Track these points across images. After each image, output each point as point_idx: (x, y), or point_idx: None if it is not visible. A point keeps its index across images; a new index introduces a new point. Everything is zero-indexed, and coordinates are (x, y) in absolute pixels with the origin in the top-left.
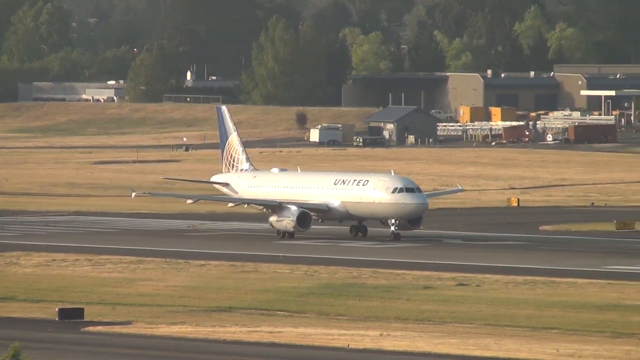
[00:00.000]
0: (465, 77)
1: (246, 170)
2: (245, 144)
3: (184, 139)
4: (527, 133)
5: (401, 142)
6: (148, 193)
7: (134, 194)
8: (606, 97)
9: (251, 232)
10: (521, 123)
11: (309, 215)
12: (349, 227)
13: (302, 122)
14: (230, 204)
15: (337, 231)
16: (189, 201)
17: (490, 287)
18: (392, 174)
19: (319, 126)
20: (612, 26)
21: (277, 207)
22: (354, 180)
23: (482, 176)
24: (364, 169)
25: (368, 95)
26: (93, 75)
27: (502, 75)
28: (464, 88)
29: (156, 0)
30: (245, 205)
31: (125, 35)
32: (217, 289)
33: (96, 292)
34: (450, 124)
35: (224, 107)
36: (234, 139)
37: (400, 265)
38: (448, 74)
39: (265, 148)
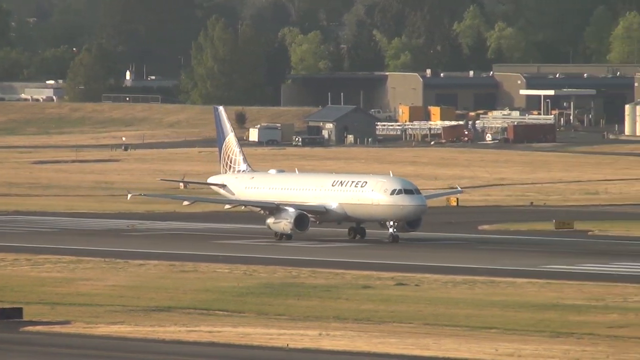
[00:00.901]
0: (404, 77)
1: (243, 171)
2: (184, 144)
3: (123, 139)
4: (466, 133)
5: (340, 141)
6: (144, 194)
7: (129, 195)
8: (545, 96)
9: (190, 231)
10: (460, 123)
11: (306, 217)
12: (347, 229)
13: (241, 121)
14: (227, 206)
15: (335, 233)
16: (186, 203)
17: (429, 287)
18: (391, 175)
19: (258, 126)
20: (551, 26)
21: (274, 209)
22: (352, 182)
23: (421, 176)
24: (303, 169)
25: (307, 94)
26: (32, 75)
27: (441, 74)
28: (403, 87)
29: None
30: (243, 207)
31: (65, 35)
32: (156, 289)
33: (35, 291)
34: (390, 124)
35: (220, 108)
36: (231, 139)
37: (340, 264)
38: (387, 73)
39: (204, 148)
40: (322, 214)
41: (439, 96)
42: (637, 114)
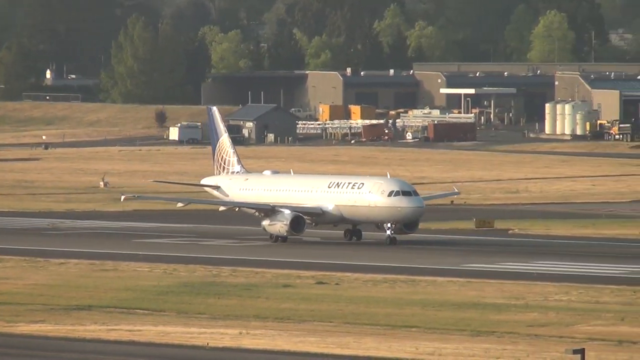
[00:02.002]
0: (324, 76)
1: (237, 172)
2: (105, 143)
3: (44, 137)
4: (386, 131)
5: (261, 140)
6: (137, 196)
7: (123, 197)
8: (465, 95)
9: (111, 230)
10: (381, 121)
11: (302, 219)
12: (343, 231)
13: (162, 120)
14: (222, 208)
15: (331, 235)
16: (179, 204)
17: (349, 286)
18: (388, 176)
19: (179, 124)
20: (471, 24)
21: (269, 211)
22: (349, 183)
23: (342, 174)
24: None
25: (227, 93)
26: None
27: (362, 73)
28: (323, 86)
29: None
30: (237, 209)
31: None
32: (77, 288)
33: None
34: (310, 123)
35: (214, 108)
36: (224, 140)
37: (260, 263)
38: (307, 72)
39: (124, 147)
40: (318, 216)
41: (359, 95)
42: (558, 112)
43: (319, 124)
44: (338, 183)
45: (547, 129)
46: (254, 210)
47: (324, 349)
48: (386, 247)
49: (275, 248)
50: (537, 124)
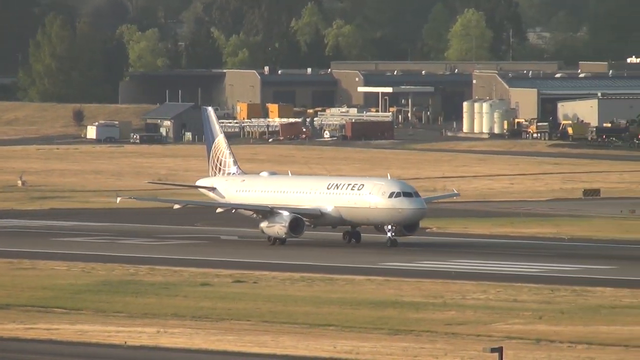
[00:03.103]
0: (242, 74)
1: (234, 173)
2: (23, 141)
3: None
4: (304, 130)
5: (178, 139)
6: (134, 198)
7: (119, 199)
8: (383, 94)
9: (29, 229)
10: (298, 120)
11: (301, 220)
12: (342, 233)
13: (79, 119)
14: (219, 209)
15: (330, 237)
16: (176, 206)
17: (267, 284)
18: (389, 177)
19: (96, 123)
20: (389, 23)
21: (268, 213)
22: (348, 185)
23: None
24: (141, 166)
25: (145, 92)
26: None
27: (279, 72)
28: (241, 85)
29: None
30: (233, 210)
31: None
32: None
33: None
34: (228, 121)
35: (209, 109)
36: (220, 141)
37: (178, 262)
38: (225, 70)
39: (42, 145)
40: (317, 218)
41: (277, 93)
42: (476, 111)
43: (236, 123)
44: (337, 184)
45: (465, 128)
46: (251, 212)
47: (241, 348)
48: (304, 246)
49: (192, 247)
50: (454, 122)
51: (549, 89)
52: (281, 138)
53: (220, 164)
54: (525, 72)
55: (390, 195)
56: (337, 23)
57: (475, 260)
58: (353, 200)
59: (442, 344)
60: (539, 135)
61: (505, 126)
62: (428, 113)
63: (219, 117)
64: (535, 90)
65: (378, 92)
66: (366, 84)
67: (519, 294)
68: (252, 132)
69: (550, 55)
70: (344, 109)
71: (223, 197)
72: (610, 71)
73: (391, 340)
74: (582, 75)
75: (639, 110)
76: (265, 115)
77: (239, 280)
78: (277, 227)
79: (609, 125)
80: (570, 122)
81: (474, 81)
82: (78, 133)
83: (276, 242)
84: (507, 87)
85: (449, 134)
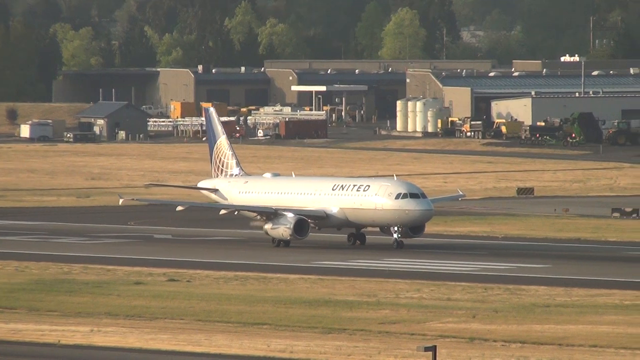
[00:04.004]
0: (176, 73)
1: (236, 175)
2: None
3: None
4: (238, 128)
5: (112, 137)
6: (136, 199)
7: (121, 200)
8: (317, 92)
9: None
10: (232, 118)
11: (306, 222)
12: (346, 235)
13: (13, 117)
14: (223, 211)
15: (334, 239)
16: (179, 208)
17: (201, 283)
18: (395, 178)
19: (30, 122)
20: (322, 21)
21: (272, 214)
22: (354, 186)
23: (194, 172)
24: (75, 165)
25: (79, 91)
26: None
27: (213, 70)
28: (174, 83)
29: None
30: (236, 212)
31: None
32: None
33: None
34: (161, 120)
35: (211, 109)
36: (222, 142)
37: (111, 260)
38: (159, 69)
39: None
40: (322, 219)
41: (210, 92)
42: (409, 109)
43: (170, 121)
44: (342, 185)
45: (399, 126)
46: (255, 214)
47: (175, 347)
48: (237, 245)
49: (125, 246)
50: (388, 121)
51: (483, 88)
52: None
53: (223, 165)
54: (458, 70)
55: (397, 197)
56: (271, 22)
57: (409, 259)
58: (359, 202)
59: (376, 343)
60: (472, 133)
61: (439, 125)
62: (362, 112)
63: (152, 116)
64: (468, 88)
65: (312, 91)
66: (300, 83)
67: (453, 292)
68: (186, 131)
69: (483, 54)
70: (277, 108)
71: (226, 199)
72: (544, 70)
73: (325, 339)
74: (515, 73)
75: (572, 109)
76: (199, 114)
77: (173, 279)
78: (282, 229)
79: (543, 123)
80: (503, 120)
81: (408, 80)
82: (11, 132)
83: (280, 244)
84: (440, 85)
85: (383, 132)
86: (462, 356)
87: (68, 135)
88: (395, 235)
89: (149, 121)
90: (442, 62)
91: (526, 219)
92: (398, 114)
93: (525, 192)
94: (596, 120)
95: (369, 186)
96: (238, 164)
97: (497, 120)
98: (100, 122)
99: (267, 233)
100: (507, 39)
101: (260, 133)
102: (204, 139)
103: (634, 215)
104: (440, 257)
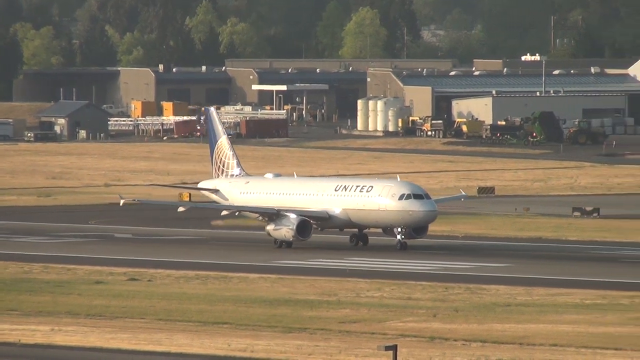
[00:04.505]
0: (136, 72)
1: (237, 175)
2: None
3: None
4: (198, 128)
5: (73, 137)
6: (137, 200)
7: (122, 201)
8: (277, 91)
9: None
10: (193, 118)
11: (309, 223)
12: (349, 236)
13: None
14: (224, 212)
15: (336, 240)
16: (181, 209)
17: (162, 282)
18: (398, 179)
19: None
20: (283, 20)
21: (274, 215)
22: (357, 187)
23: (154, 171)
24: (36, 164)
25: (40, 90)
26: None
27: (174, 69)
28: (135, 83)
29: None
30: (237, 213)
31: None
32: None
33: None
34: (122, 119)
35: (212, 109)
36: (223, 142)
37: (72, 260)
38: (120, 68)
39: None
40: (325, 220)
41: (171, 91)
42: (370, 109)
43: (131, 121)
44: (345, 186)
45: (360, 126)
46: (257, 215)
47: (135, 346)
48: (198, 244)
49: (85, 245)
50: (349, 120)
51: (444, 87)
52: (175, 136)
53: (224, 166)
54: (419, 70)
55: (401, 197)
56: (232, 21)
57: (370, 258)
58: (362, 203)
59: (337, 342)
60: (433, 133)
61: (400, 124)
62: (322, 111)
63: (113, 115)
64: (429, 88)
65: (272, 90)
66: (261, 82)
67: (413, 291)
68: (146, 130)
69: (444, 53)
70: (238, 107)
71: (226, 200)
72: (505, 69)
73: (285, 338)
74: (476, 73)
75: (533, 108)
76: (160, 113)
77: (134, 278)
78: (284, 230)
79: (504, 123)
80: (464, 120)
81: (369, 79)
82: None
83: (282, 245)
84: (401, 85)
85: (344, 131)
86: (423, 355)
87: (29, 134)
88: (398, 237)
89: (109, 120)
90: (402, 62)
91: (487, 218)
92: (359, 113)
93: (486, 191)
94: (557, 119)
95: (372, 187)
96: (239, 164)
97: (458, 120)
98: (61, 121)
99: (269, 234)
100: (467, 38)
101: None
102: (164, 138)
103: (595, 214)
104: (401, 256)
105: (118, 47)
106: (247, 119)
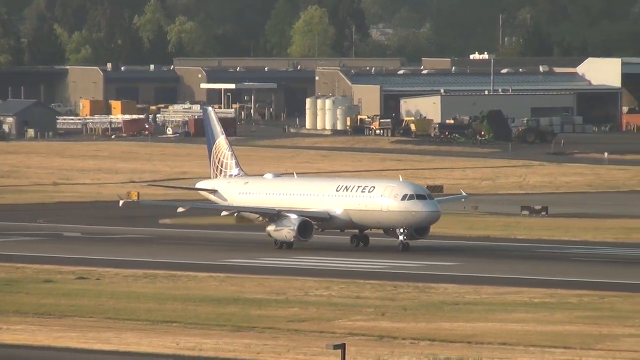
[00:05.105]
0: (85, 71)
1: (236, 175)
2: None
3: None
4: (147, 126)
5: (21, 135)
6: (137, 201)
7: (121, 202)
8: (226, 90)
9: None
10: (141, 116)
11: (310, 224)
12: (349, 237)
13: None
14: (224, 213)
15: (336, 241)
16: (180, 209)
17: (110, 281)
18: (400, 179)
19: None
20: (232, 19)
21: (274, 216)
22: (358, 187)
23: (103, 170)
24: None
25: None
26: None
27: (122, 68)
28: (84, 81)
29: None
30: (235, 214)
31: None
32: None
33: None
34: (70, 118)
35: (210, 108)
36: (221, 142)
37: (20, 258)
38: (68, 67)
39: None
40: (326, 221)
41: (119, 90)
42: (318, 107)
43: (79, 119)
44: (346, 186)
45: (308, 124)
46: (256, 215)
47: (84, 344)
48: (147, 243)
49: (34, 244)
50: (297, 119)
51: (392, 86)
52: (124, 135)
53: (222, 166)
54: (368, 68)
55: (403, 198)
56: (180, 19)
57: (318, 257)
58: (364, 203)
59: (285, 341)
60: (381, 131)
61: (348, 122)
62: (271, 109)
63: (61, 114)
64: (378, 86)
65: (221, 89)
66: (209, 81)
67: (362, 290)
68: (95, 128)
69: (393, 52)
70: (186, 106)
71: (225, 200)
72: (453, 68)
73: (234, 337)
74: (425, 71)
75: (481, 107)
76: (108, 111)
77: (82, 277)
78: (285, 231)
79: (452, 121)
80: (413, 118)
81: (317, 78)
82: None
83: (283, 245)
84: (349, 83)
85: (292, 130)
86: (371, 354)
87: None
88: (400, 237)
89: (58, 119)
90: (351, 60)
91: None
92: (307, 111)
93: (434, 189)
94: (505, 118)
95: (374, 187)
96: (237, 164)
97: (406, 118)
98: (9, 120)
99: (269, 235)
100: (416, 37)
101: (169, 131)
102: (112, 136)
103: (543, 213)
104: (349, 255)
105: (66, 45)
106: (196, 117)
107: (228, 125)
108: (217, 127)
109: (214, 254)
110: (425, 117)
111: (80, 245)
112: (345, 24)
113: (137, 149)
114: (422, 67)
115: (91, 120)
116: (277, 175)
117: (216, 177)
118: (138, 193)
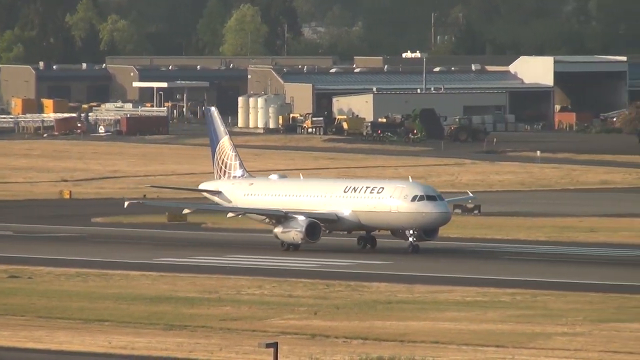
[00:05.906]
0: (16, 69)
1: (240, 176)
2: None
3: None
4: (79, 125)
5: None
6: (142, 202)
7: (126, 203)
8: (158, 88)
9: None
10: (73, 115)
11: (318, 225)
12: (356, 239)
13: None
14: (230, 214)
15: (343, 242)
16: (186, 210)
17: (42, 279)
18: (410, 180)
19: None
20: (164, 18)
21: (282, 218)
22: (367, 188)
23: (34, 168)
24: None
25: None
26: None
27: (54, 67)
28: (15, 80)
29: None
30: (239, 216)
31: None
32: None
33: None
34: (2, 116)
35: (213, 108)
36: (225, 142)
37: None
38: (0, 65)
39: None
40: (333, 222)
41: (52, 88)
42: (251, 106)
43: (11, 118)
44: (354, 187)
45: (240, 122)
46: (263, 217)
47: (16, 343)
48: (79, 241)
49: None
50: (230, 117)
51: (324, 84)
52: (56, 133)
53: (226, 167)
54: (300, 67)
55: (413, 199)
56: (112, 18)
57: (250, 256)
58: (372, 204)
59: (217, 340)
60: (314, 130)
61: (281, 121)
62: (203, 108)
63: None
64: (310, 85)
65: (153, 87)
66: (141, 79)
67: (294, 289)
68: (27, 127)
69: (325, 50)
70: (118, 104)
71: (230, 202)
72: (386, 66)
73: (166, 336)
74: (357, 70)
75: (414, 105)
76: (40, 110)
77: (14, 276)
78: (293, 233)
79: (384, 120)
80: (345, 117)
81: (249, 76)
82: None
83: (290, 247)
84: (282, 82)
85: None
86: (304, 353)
87: None
88: (410, 239)
89: None
90: (283, 58)
91: None
92: (239, 110)
93: None
94: (438, 116)
95: (383, 188)
96: (242, 165)
97: (338, 117)
98: None
99: (277, 237)
100: (348, 35)
101: (101, 129)
102: (45, 135)
103: (476, 211)
104: (281, 254)
105: None
106: (128, 116)
107: (160, 124)
108: (221, 128)
109: (146, 252)
110: (357, 116)
111: (12, 244)
112: (277, 22)
113: (69, 148)
114: (354, 66)
115: (23, 119)
116: (283, 176)
117: (220, 178)
118: (70, 192)
